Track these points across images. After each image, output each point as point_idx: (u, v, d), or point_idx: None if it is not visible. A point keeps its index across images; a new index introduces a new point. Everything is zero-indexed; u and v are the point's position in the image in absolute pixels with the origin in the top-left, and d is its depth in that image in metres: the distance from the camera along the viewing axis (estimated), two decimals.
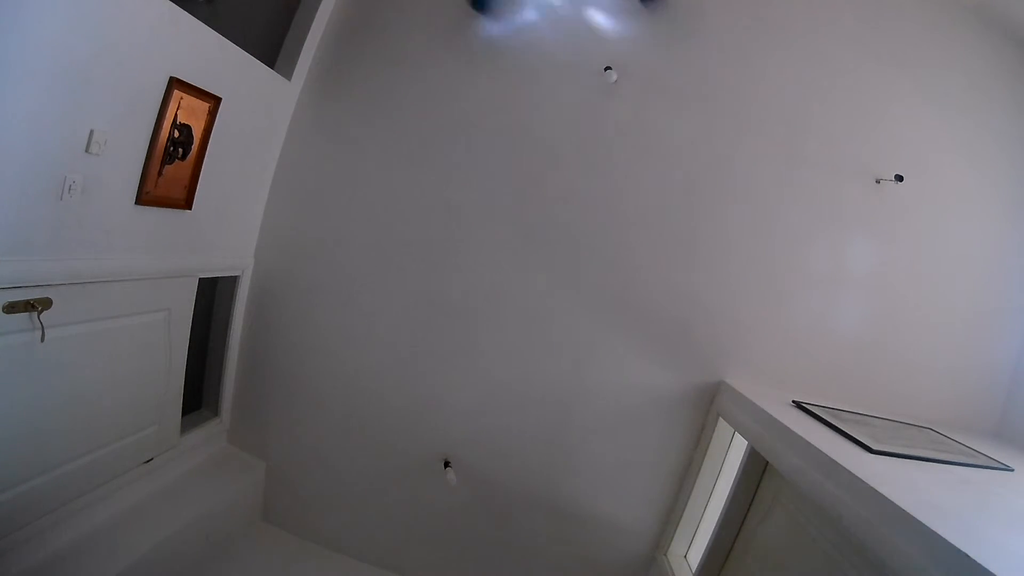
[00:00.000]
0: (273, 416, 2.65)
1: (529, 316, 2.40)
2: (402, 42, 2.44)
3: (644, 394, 2.35)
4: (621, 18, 2.30)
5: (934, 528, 1.10)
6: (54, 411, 1.69)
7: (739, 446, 2.19)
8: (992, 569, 0.97)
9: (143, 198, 1.80)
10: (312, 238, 2.54)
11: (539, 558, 2.51)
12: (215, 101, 1.98)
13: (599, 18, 2.31)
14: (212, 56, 1.93)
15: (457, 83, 2.41)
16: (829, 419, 1.84)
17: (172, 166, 1.89)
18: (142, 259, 1.90)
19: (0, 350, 1.46)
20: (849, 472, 1.37)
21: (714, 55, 2.28)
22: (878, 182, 2.24)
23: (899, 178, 2.19)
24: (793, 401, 2.06)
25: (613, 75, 2.27)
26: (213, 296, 2.60)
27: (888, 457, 1.58)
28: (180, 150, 1.91)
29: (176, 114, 1.83)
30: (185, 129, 1.90)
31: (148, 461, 2.17)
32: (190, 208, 2.04)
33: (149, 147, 1.77)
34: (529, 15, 2.33)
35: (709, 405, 2.32)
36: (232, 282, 2.55)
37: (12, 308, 1.44)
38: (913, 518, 1.15)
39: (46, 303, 1.53)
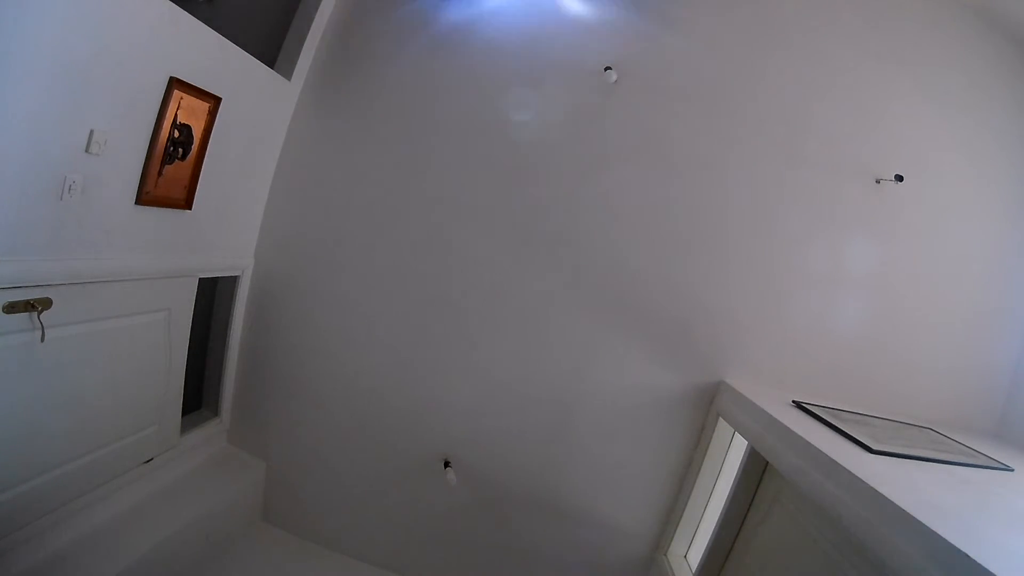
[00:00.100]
0: (273, 416, 2.65)
1: (529, 316, 2.40)
2: (402, 42, 2.43)
3: (644, 394, 2.35)
4: (607, 10, 2.30)
5: (934, 528, 1.10)
6: (54, 411, 1.69)
7: (739, 446, 2.19)
8: (992, 569, 0.97)
9: (143, 198, 1.80)
10: (312, 238, 2.55)
11: (539, 558, 2.51)
12: (215, 101, 1.98)
13: (579, 8, 2.30)
14: (212, 56, 1.93)
15: (457, 83, 2.41)
16: (829, 419, 1.84)
17: (172, 166, 1.89)
18: (142, 259, 1.90)
19: (0, 350, 1.46)
20: (849, 472, 1.37)
21: (714, 55, 2.28)
22: (878, 182, 2.24)
23: (899, 178, 2.19)
24: (793, 401, 2.06)
25: (613, 75, 2.27)
26: (213, 296, 2.60)
27: (888, 457, 1.58)
28: (180, 150, 1.91)
29: (176, 114, 1.83)
30: (185, 129, 1.90)
31: (148, 461, 2.17)
32: (190, 208, 2.04)
33: (149, 147, 1.77)
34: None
35: (709, 405, 2.32)
36: (232, 282, 2.55)
37: (12, 308, 1.44)
38: (913, 518, 1.15)
39: (46, 303, 1.53)
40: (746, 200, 2.29)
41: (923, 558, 1.10)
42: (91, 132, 1.54)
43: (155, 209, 1.89)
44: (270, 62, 2.35)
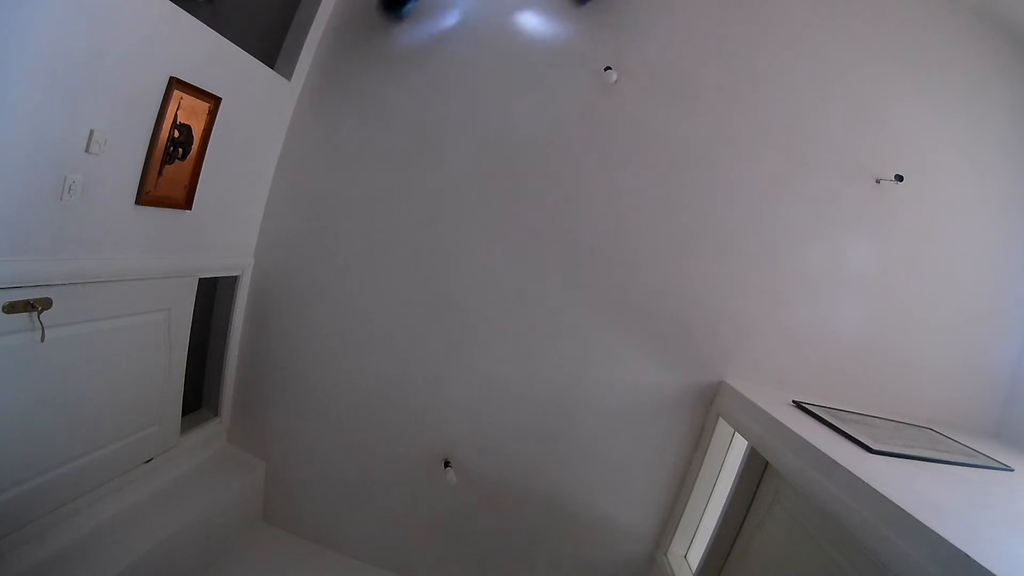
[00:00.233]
0: (273, 416, 2.65)
1: (529, 316, 2.40)
2: (403, 42, 2.43)
3: (644, 394, 2.35)
4: (557, 19, 2.30)
5: (934, 528, 1.10)
6: (54, 411, 1.69)
7: (739, 446, 2.19)
8: (992, 569, 0.97)
9: (143, 198, 1.80)
10: (312, 238, 2.55)
11: (539, 558, 2.51)
12: (215, 101, 1.98)
13: (533, 20, 2.32)
14: (212, 56, 1.93)
15: (457, 82, 2.41)
16: (829, 419, 1.84)
17: (172, 166, 1.89)
18: (142, 259, 1.90)
19: (0, 350, 1.46)
20: (849, 472, 1.37)
21: (714, 55, 2.28)
22: (878, 182, 2.24)
23: (899, 178, 2.19)
24: (793, 401, 2.06)
25: (613, 75, 2.27)
26: (213, 296, 2.60)
27: (888, 457, 1.58)
28: (180, 150, 1.91)
29: (176, 114, 1.83)
30: (185, 129, 1.90)
31: (148, 461, 2.17)
32: (190, 208, 2.04)
33: (149, 147, 1.77)
34: (449, 19, 2.35)
35: (709, 405, 2.32)
36: (232, 282, 2.55)
37: (12, 308, 1.44)
38: (913, 518, 1.15)
39: (46, 303, 1.53)
40: (746, 200, 2.29)
41: (923, 558, 1.10)
42: (91, 132, 1.54)
43: (155, 209, 1.89)
44: (270, 62, 2.35)
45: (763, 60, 2.26)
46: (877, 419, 2.02)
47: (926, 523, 1.12)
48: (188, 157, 1.96)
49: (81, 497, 1.88)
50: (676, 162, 2.31)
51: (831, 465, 1.45)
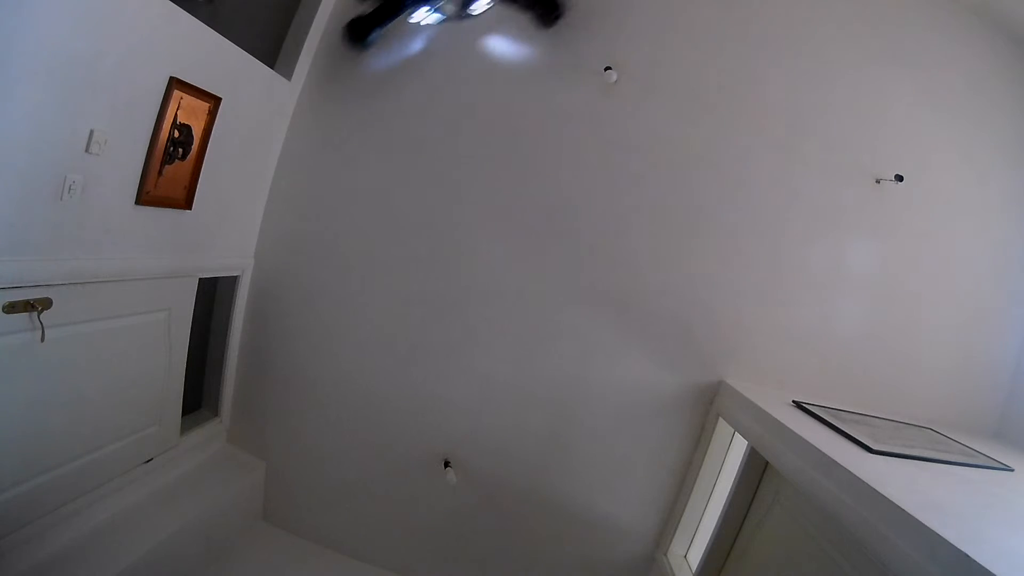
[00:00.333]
0: (273, 416, 2.65)
1: (529, 316, 2.40)
2: (403, 42, 2.43)
3: (644, 394, 2.35)
4: (608, 10, 2.30)
5: (934, 528, 1.10)
6: (54, 411, 1.69)
7: (739, 446, 2.19)
8: (992, 569, 0.97)
9: (143, 198, 1.80)
10: (312, 238, 2.55)
11: (539, 558, 2.51)
12: (215, 101, 1.98)
13: (500, 45, 2.35)
14: (212, 56, 1.93)
15: (456, 82, 2.41)
16: (829, 419, 1.84)
17: (172, 166, 1.89)
18: (142, 259, 1.90)
19: (0, 350, 1.46)
20: (849, 472, 1.37)
21: (714, 55, 2.28)
22: (878, 182, 2.24)
23: (899, 178, 2.19)
24: (793, 401, 2.06)
25: (613, 75, 2.27)
26: (213, 296, 2.60)
27: (888, 457, 1.58)
28: (180, 150, 1.91)
29: (176, 114, 1.83)
30: (185, 129, 1.90)
31: (148, 461, 2.17)
32: (190, 208, 2.04)
33: (149, 147, 1.77)
34: (413, 47, 2.38)
35: (709, 405, 2.32)
36: (232, 282, 2.55)
37: (12, 308, 1.44)
38: (913, 518, 1.15)
39: (46, 303, 1.53)
40: (746, 200, 2.29)
41: (923, 558, 1.10)
42: (91, 132, 1.54)
43: (155, 209, 1.89)
44: (270, 62, 2.36)
45: (763, 60, 2.26)
46: (877, 419, 2.02)
47: (926, 523, 1.12)
48: (188, 157, 1.96)
49: (81, 497, 1.88)
50: (676, 162, 2.31)
51: (831, 465, 1.45)
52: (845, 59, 2.24)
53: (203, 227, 2.17)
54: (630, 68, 2.29)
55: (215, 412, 2.64)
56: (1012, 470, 1.72)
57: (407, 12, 2.08)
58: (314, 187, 2.55)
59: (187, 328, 2.24)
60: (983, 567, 0.98)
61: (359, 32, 2.20)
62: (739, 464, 2.06)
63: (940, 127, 2.26)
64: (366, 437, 2.56)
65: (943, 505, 1.27)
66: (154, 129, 1.77)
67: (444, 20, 2.16)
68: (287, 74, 2.41)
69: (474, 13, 2.12)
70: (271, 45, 2.45)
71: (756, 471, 2.01)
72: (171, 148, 1.86)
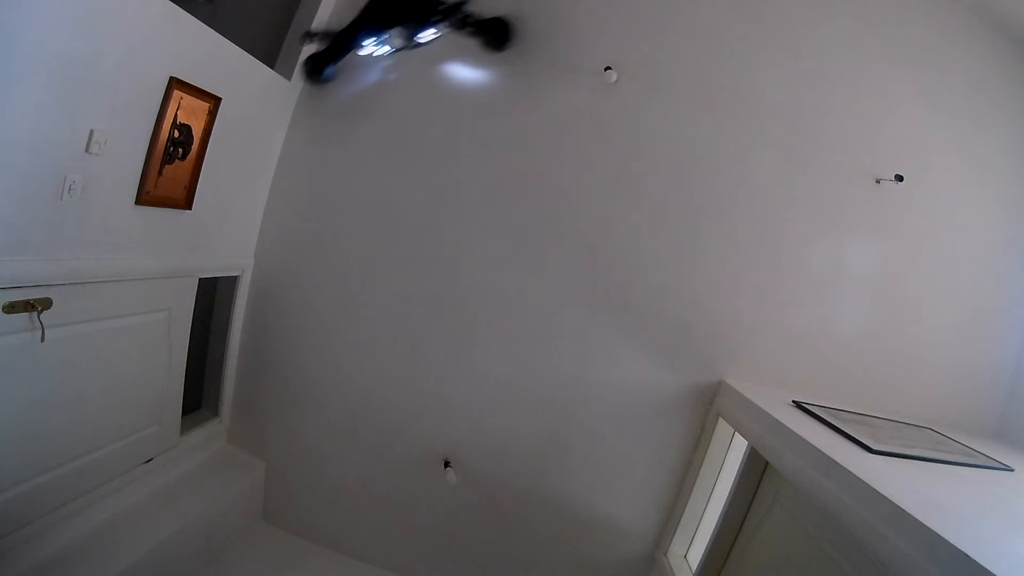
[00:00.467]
0: (273, 416, 2.65)
1: (529, 316, 2.40)
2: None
3: (644, 394, 2.35)
4: (608, 10, 2.31)
5: (934, 528, 1.10)
6: (54, 411, 1.69)
7: (739, 446, 2.18)
8: (992, 569, 0.97)
9: (143, 198, 1.80)
10: (312, 238, 2.55)
11: (539, 558, 2.51)
12: (215, 101, 1.98)
13: (457, 70, 2.38)
14: (212, 56, 1.93)
15: (456, 82, 2.41)
16: (829, 419, 1.83)
17: (172, 166, 1.89)
18: (142, 259, 1.90)
19: (0, 350, 1.46)
20: (849, 472, 1.37)
21: (715, 56, 2.28)
22: (878, 182, 2.24)
23: (899, 178, 2.19)
24: (793, 401, 2.06)
25: (613, 75, 2.27)
26: (213, 296, 2.60)
27: (888, 457, 1.58)
28: (180, 150, 1.91)
29: (176, 114, 1.83)
30: (185, 129, 1.90)
31: (148, 461, 2.17)
32: (190, 208, 2.04)
33: (149, 147, 1.77)
34: (372, 76, 2.42)
35: (709, 405, 2.32)
36: (232, 282, 2.55)
37: (12, 308, 1.44)
38: (913, 518, 1.15)
39: (46, 303, 1.53)
40: (747, 200, 2.29)
41: (923, 558, 1.10)
42: (91, 132, 1.54)
43: (155, 209, 1.89)
44: (270, 62, 2.36)
45: (763, 60, 2.26)
46: (877, 419, 2.02)
47: (926, 523, 1.12)
48: (188, 157, 1.96)
49: (81, 497, 1.88)
50: (676, 162, 2.31)
51: (831, 465, 1.45)
52: (845, 59, 2.24)
53: (203, 227, 2.17)
54: (630, 68, 2.29)
55: (215, 412, 2.64)
56: (1012, 470, 1.72)
57: (357, 47, 2.12)
58: (314, 187, 2.55)
59: (187, 328, 2.24)
60: (983, 567, 0.98)
61: (316, 68, 2.25)
62: (739, 464, 2.06)
63: (940, 127, 2.26)
64: (366, 437, 2.56)
65: (943, 505, 1.27)
66: (154, 129, 1.77)
67: (394, 52, 2.20)
68: (287, 74, 2.41)
69: (422, 41, 2.15)
70: (271, 45, 2.45)
71: (756, 471, 2.01)
72: (171, 148, 1.86)
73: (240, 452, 2.68)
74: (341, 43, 2.18)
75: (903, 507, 1.18)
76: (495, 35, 2.29)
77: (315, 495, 2.65)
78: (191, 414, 2.54)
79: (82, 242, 1.64)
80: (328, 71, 2.26)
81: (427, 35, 2.17)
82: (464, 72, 2.40)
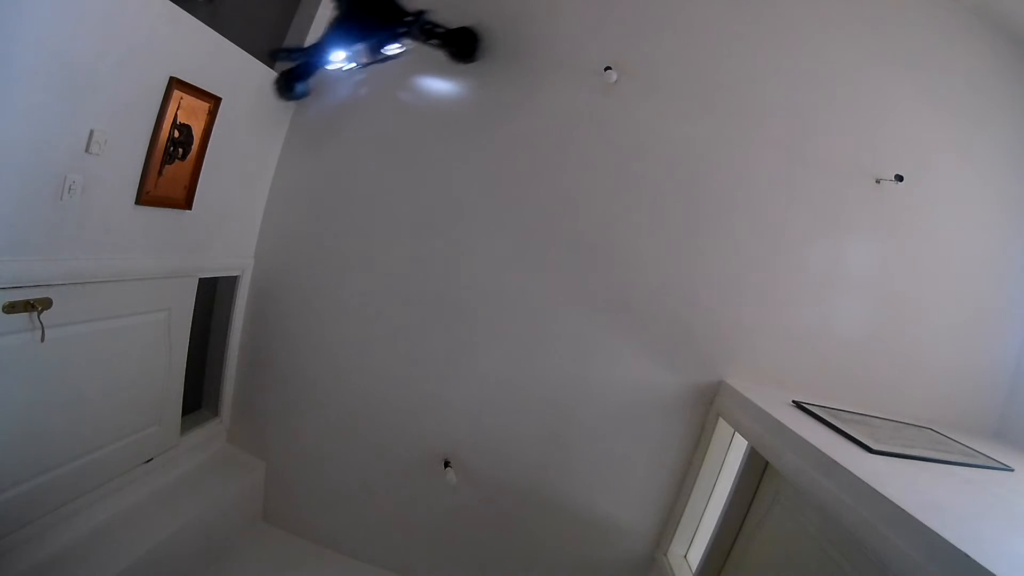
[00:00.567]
0: (273, 416, 2.65)
1: (529, 316, 2.40)
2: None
3: (644, 394, 2.35)
4: (608, 10, 2.31)
5: (934, 528, 1.10)
6: (54, 411, 1.69)
7: (739, 446, 2.18)
8: (992, 569, 0.97)
9: (143, 198, 1.80)
10: (312, 238, 2.55)
11: (539, 558, 2.51)
12: (215, 101, 1.98)
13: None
14: (212, 56, 1.94)
15: (456, 83, 2.41)
16: (829, 419, 1.83)
17: (172, 166, 1.89)
18: (142, 259, 1.90)
19: (0, 350, 1.46)
20: (849, 472, 1.37)
21: (715, 56, 2.28)
22: (878, 182, 2.24)
23: (899, 178, 2.19)
24: (793, 401, 2.06)
25: (613, 75, 2.27)
26: (213, 296, 2.60)
27: (888, 457, 1.58)
28: (180, 150, 1.91)
29: (176, 114, 1.83)
30: (185, 129, 1.90)
31: (148, 461, 2.17)
32: (190, 208, 2.04)
33: (149, 147, 1.78)
34: (343, 90, 2.41)
35: (709, 405, 2.32)
36: (232, 282, 2.55)
37: (12, 308, 1.44)
38: (913, 518, 1.15)
39: (46, 303, 1.53)
40: (746, 200, 2.29)
41: (923, 558, 1.10)
42: (91, 132, 1.54)
43: (155, 209, 1.89)
44: (270, 62, 2.35)
45: (763, 60, 2.26)
46: (877, 419, 2.02)
47: (926, 523, 1.12)
48: (188, 157, 1.96)
49: (81, 497, 1.88)
50: (676, 162, 2.31)
51: (831, 465, 1.45)
52: (845, 59, 2.24)
53: (203, 227, 2.17)
54: (630, 68, 2.29)
55: (215, 412, 2.64)
56: (1012, 470, 1.72)
57: (325, 62, 2.11)
58: (314, 187, 2.55)
59: (187, 328, 2.24)
60: (983, 567, 0.98)
61: (287, 85, 2.26)
62: (739, 464, 2.06)
63: (940, 127, 2.26)
64: (366, 437, 2.56)
65: (943, 505, 1.27)
66: (154, 129, 1.77)
67: (363, 67, 2.18)
68: None
69: (389, 55, 2.14)
70: (271, 45, 2.44)
71: (756, 471, 2.01)
72: (171, 148, 1.86)
73: (240, 452, 2.68)
74: (310, 59, 2.17)
75: (903, 507, 1.18)
76: (462, 46, 2.29)
77: (315, 495, 2.65)
78: (191, 414, 2.54)
79: (82, 242, 1.64)
80: (299, 88, 2.25)
81: (393, 49, 2.14)
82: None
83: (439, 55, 2.31)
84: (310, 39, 2.38)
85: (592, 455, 2.40)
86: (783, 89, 2.26)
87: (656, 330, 2.33)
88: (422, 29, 2.16)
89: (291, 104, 2.45)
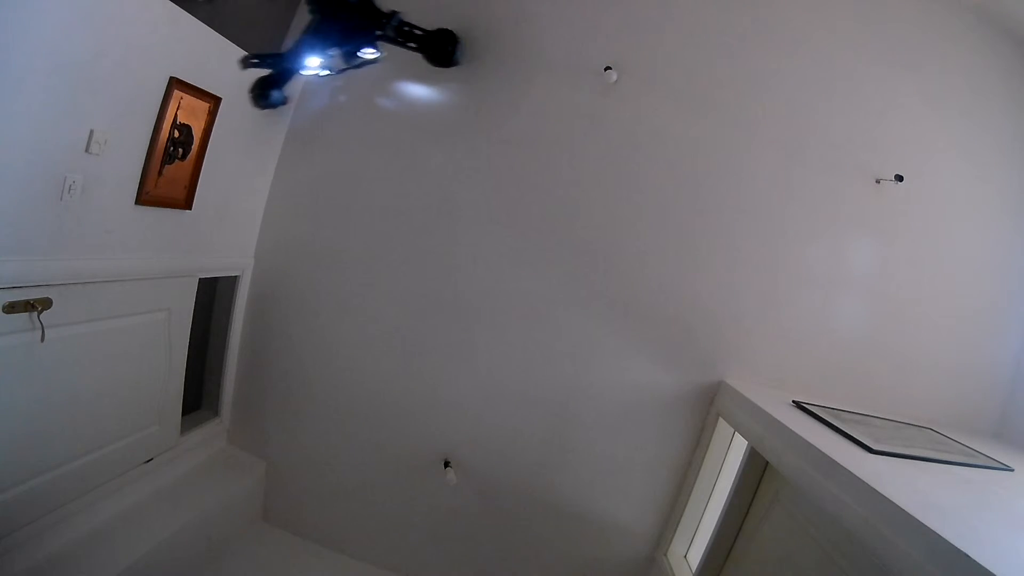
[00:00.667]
0: (273, 416, 2.65)
1: (529, 316, 2.40)
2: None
3: (644, 394, 2.35)
4: (608, 9, 2.31)
5: (934, 528, 1.10)
6: (54, 411, 1.69)
7: (739, 446, 2.19)
8: (992, 569, 0.97)
9: (143, 198, 1.80)
10: (312, 238, 2.55)
11: (539, 558, 2.51)
12: (215, 101, 1.98)
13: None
14: (212, 56, 1.94)
15: (455, 82, 2.41)
16: (829, 419, 1.83)
17: (172, 166, 1.89)
18: (142, 259, 1.90)
19: (0, 350, 1.46)
20: (849, 472, 1.37)
21: (715, 56, 2.28)
22: (878, 182, 2.24)
23: (899, 178, 2.19)
24: (793, 401, 2.06)
25: (613, 75, 2.27)
26: (213, 296, 2.60)
27: (888, 457, 1.58)
28: (180, 150, 1.91)
29: (176, 114, 1.83)
30: (185, 129, 1.90)
31: (148, 461, 2.17)
32: (190, 208, 2.04)
33: (149, 147, 1.78)
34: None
35: (709, 405, 2.32)
36: (232, 282, 2.55)
37: (12, 308, 1.44)
38: (913, 518, 1.15)
39: (46, 303, 1.53)
40: (747, 200, 2.29)
41: (923, 558, 1.10)
42: (91, 132, 1.54)
43: (155, 209, 1.89)
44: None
45: (764, 61, 2.26)
46: (877, 419, 2.02)
47: (926, 523, 1.12)
48: (188, 157, 1.96)
49: (81, 497, 1.88)
50: (676, 162, 2.31)
51: (831, 465, 1.45)
52: (845, 59, 2.24)
53: (203, 227, 2.17)
54: (630, 68, 2.29)
55: (215, 412, 2.64)
56: (1012, 470, 1.72)
57: (300, 68, 2.08)
58: (314, 187, 2.55)
59: (187, 328, 2.24)
60: (983, 567, 0.98)
61: (262, 93, 2.23)
62: (739, 464, 2.06)
63: (940, 127, 2.26)
64: (366, 437, 2.56)
65: (943, 505, 1.27)
66: (154, 129, 1.77)
67: (338, 73, 2.15)
68: None
69: (366, 59, 2.11)
70: (271, 45, 2.44)
71: (756, 471, 2.01)
72: (171, 148, 1.86)
73: (240, 452, 2.68)
74: (284, 66, 2.15)
75: (903, 507, 1.18)
76: (440, 49, 2.27)
77: (315, 495, 2.65)
78: (191, 414, 2.54)
79: (82, 242, 1.64)
80: (275, 95, 2.23)
81: (369, 53, 2.10)
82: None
83: (418, 59, 2.29)
84: (285, 45, 2.35)
85: (592, 455, 2.40)
86: (783, 89, 2.26)
87: (656, 330, 2.33)
88: (398, 31, 2.13)
89: (269, 112, 2.36)
